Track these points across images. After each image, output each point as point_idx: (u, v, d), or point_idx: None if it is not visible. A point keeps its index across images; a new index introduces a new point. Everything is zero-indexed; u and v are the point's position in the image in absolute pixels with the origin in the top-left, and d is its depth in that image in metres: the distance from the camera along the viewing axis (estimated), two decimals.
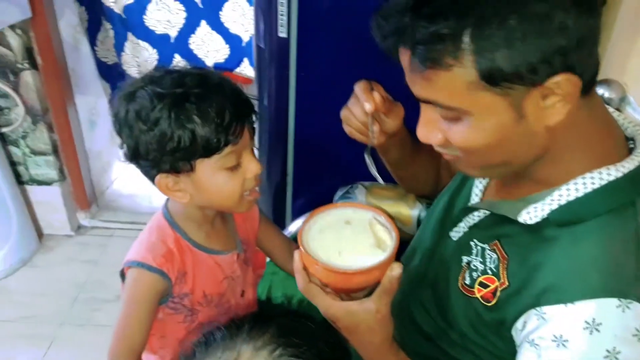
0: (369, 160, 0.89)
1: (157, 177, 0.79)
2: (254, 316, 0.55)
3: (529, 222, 0.67)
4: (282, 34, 1.13)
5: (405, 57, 0.62)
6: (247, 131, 0.80)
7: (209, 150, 0.75)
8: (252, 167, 0.81)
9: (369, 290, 0.72)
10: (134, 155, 0.78)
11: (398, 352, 0.77)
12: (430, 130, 0.67)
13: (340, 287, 0.71)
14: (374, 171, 0.90)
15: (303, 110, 1.24)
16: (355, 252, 0.72)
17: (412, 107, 0.71)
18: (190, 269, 0.87)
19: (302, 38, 1.14)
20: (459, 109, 0.61)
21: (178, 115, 0.73)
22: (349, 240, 0.73)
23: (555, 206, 0.66)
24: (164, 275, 0.83)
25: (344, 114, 0.86)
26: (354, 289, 0.72)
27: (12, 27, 1.73)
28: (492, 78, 0.57)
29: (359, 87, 0.83)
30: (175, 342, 0.93)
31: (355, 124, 0.84)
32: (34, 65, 1.82)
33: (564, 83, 0.57)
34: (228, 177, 0.79)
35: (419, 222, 1.12)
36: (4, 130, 1.90)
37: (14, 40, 1.76)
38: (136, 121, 0.75)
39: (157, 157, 0.76)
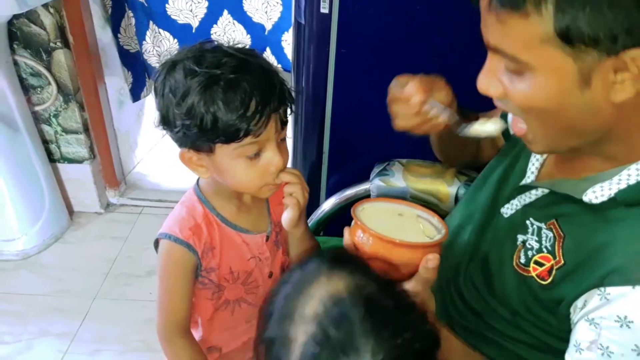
0: (471, 130, 0.82)
1: (181, 150, 0.80)
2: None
3: (595, 201, 0.66)
4: (324, 9, 1.13)
5: None
6: (275, 122, 0.77)
7: (228, 137, 0.75)
8: (274, 160, 0.78)
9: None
10: (164, 122, 0.79)
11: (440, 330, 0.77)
12: (492, 80, 0.66)
13: (382, 256, 0.72)
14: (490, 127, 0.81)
15: (342, 87, 1.23)
16: (403, 234, 0.72)
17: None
18: (218, 244, 0.87)
19: (344, 14, 1.14)
20: (525, 63, 0.60)
21: (205, 97, 0.73)
22: (399, 225, 0.74)
23: (623, 185, 0.65)
24: (190, 248, 0.84)
25: (392, 108, 0.83)
26: (396, 264, 0.73)
27: (46, 5, 1.74)
28: (568, 37, 0.55)
29: (394, 90, 0.81)
30: (203, 319, 0.94)
31: (403, 111, 0.82)
32: (66, 44, 1.84)
33: None
34: (246, 166, 0.78)
35: (456, 199, 1.12)
36: (37, 108, 1.93)
37: (47, 19, 1.77)
38: (168, 92, 0.76)
39: (182, 131, 0.76)
